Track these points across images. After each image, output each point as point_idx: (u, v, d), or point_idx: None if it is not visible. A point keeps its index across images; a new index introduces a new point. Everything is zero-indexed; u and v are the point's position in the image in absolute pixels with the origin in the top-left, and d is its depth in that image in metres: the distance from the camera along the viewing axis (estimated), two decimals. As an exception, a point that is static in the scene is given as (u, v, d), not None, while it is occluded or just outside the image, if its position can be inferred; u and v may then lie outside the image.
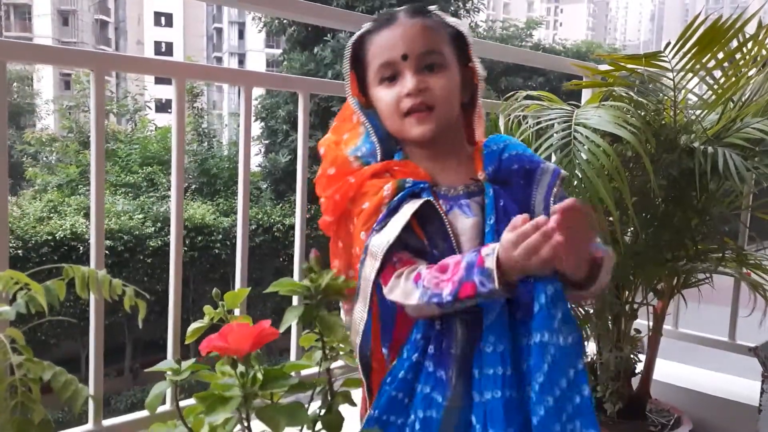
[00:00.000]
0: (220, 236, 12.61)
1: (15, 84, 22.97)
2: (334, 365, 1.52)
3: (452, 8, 14.41)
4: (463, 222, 1.07)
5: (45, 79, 27.63)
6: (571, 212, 0.89)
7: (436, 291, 0.97)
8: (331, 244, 1.20)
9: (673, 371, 2.46)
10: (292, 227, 13.04)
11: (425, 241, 1.06)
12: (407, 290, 1.02)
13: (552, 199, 1.08)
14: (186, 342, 1.47)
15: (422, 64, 1.08)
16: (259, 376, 1.33)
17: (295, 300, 1.74)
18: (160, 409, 1.53)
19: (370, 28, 1.14)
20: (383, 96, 1.11)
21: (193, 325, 1.46)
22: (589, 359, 2.06)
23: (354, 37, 1.15)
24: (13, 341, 0.78)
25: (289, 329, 1.82)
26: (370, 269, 1.05)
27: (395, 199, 1.06)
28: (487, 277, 0.93)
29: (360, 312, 1.08)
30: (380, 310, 1.09)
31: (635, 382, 2.09)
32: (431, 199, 1.06)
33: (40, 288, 0.81)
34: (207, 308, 1.48)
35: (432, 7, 1.13)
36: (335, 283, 1.55)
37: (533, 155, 1.14)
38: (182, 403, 1.50)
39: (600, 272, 0.98)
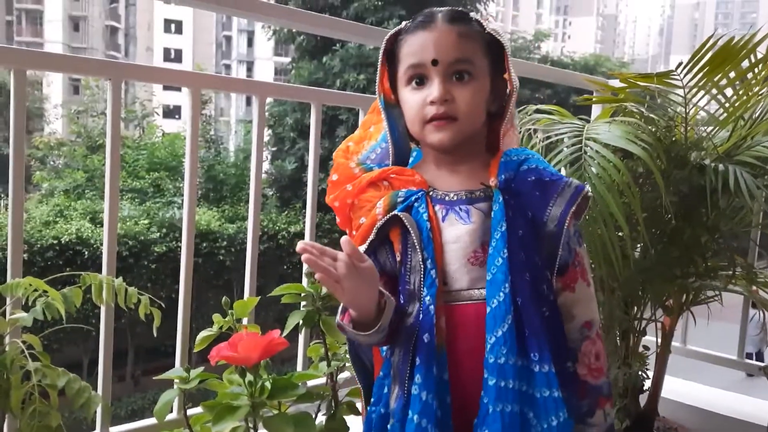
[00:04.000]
0: (225, 242, 12.61)
1: (24, 88, 23.01)
2: (340, 377, 1.53)
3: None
4: (458, 228, 1.07)
5: (54, 83, 27.76)
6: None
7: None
8: None
9: (681, 389, 2.44)
10: (296, 235, 13.04)
11: (398, 255, 1.08)
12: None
13: (568, 217, 1.06)
14: (195, 350, 1.48)
15: (451, 71, 1.07)
16: (268, 385, 1.34)
17: (301, 306, 1.75)
18: (168, 417, 1.53)
19: (406, 26, 1.12)
20: (409, 99, 1.10)
21: (203, 334, 1.46)
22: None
23: (391, 32, 1.14)
24: (29, 347, 0.78)
25: (296, 339, 1.82)
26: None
27: (385, 218, 1.08)
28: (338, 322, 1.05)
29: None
30: None
31: (643, 399, 2.08)
32: (399, 214, 1.06)
33: (59, 295, 0.81)
34: (216, 317, 1.48)
35: (472, 14, 1.12)
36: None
37: (555, 171, 1.13)
38: (189, 412, 1.51)
39: None
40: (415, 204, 1.08)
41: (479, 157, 1.14)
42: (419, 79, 1.09)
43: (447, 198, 1.09)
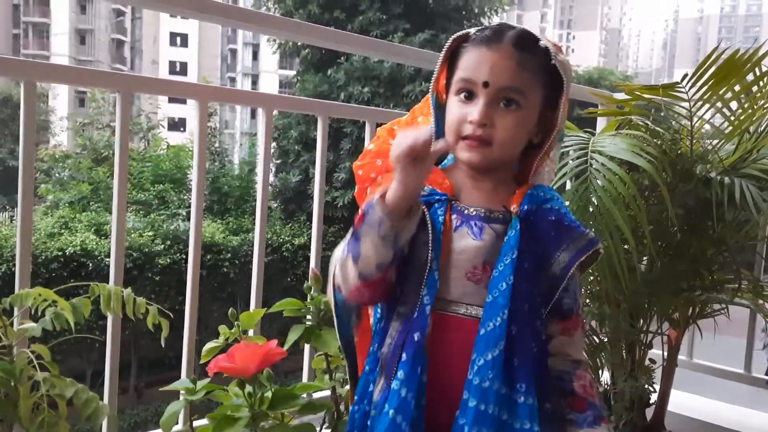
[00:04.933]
0: (229, 255, 12.60)
1: (30, 100, 23.14)
2: (343, 390, 1.53)
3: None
4: (467, 242, 1.07)
5: (60, 96, 27.94)
6: None
7: (347, 241, 1.05)
8: None
9: (687, 402, 2.43)
10: (301, 247, 13.03)
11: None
12: (337, 259, 1.08)
13: (575, 265, 1.07)
14: (201, 362, 1.48)
15: (500, 96, 1.05)
16: (268, 395, 1.34)
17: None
18: (174, 428, 1.52)
19: (475, 36, 1.10)
20: (453, 109, 1.10)
21: (209, 345, 1.47)
22: (603, 389, 2.05)
23: (460, 33, 1.12)
24: (38, 357, 0.78)
25: (298, 350, 1.82)
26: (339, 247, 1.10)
27: None
28: (370, 202, 1.01)
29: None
30: None
31: (649, 412, 2.07)
32: (424, 208, 1.06)
33: (68, 305, 0.81)
34: (222, 328, 1.49)
35: (543, 42, 1.08)
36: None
37: (575, 220, 1.12)
38: (195, 423, 1.51)
39: None
40: (436, 204, 1.08)
41: (506, 181, 1.14)
42: (468, 94, 1.08)
43: (466, 211, 1.09)
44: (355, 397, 1.11)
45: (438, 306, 1.05)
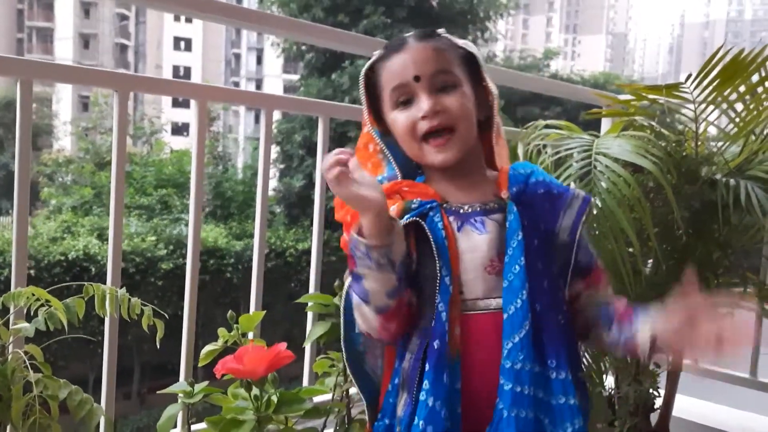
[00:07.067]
0: (233, 260, 12.59)
1: (34, 105, 23.25)
2: (352, 390, 1.51)
3: (470, 37, 14.51)
4: (475, 239, 1.07)
5: (64, 100, 28.01)
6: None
7: (351, 287, 1.04)
8: None
9: (692, 407, 2.41)
10: (304, 252, 13.00)
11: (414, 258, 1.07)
12: (354, 307, 1.07)
13: (580, 226, 1.09)
14: (200, 364, 1.46)
15: (436, 85, 1.08)
16: (274, 399, 1.32)
17: (308, 323, 1.73)
18: (172, 432, 1.51)
19: (380, 55, 1.13)
20: (398, 119, 1.10)
21: (207, 348, 1.45)
22: (607, 393, 2.02)
23: (366, 66, 1.15)
24: (31, 358, 0.77)
25: (301, 355, 1.81)
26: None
27: (405, 220, 1.05)
28: (351, 240, 1.00)
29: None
30: None
31: (654, 417, 2.05)
32: (419, 219, 1.05)
33: (61, 305, 0.80)
34: (222, 331, 1.47)
35: (440, 30, 1.13)
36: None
37: (560, 183, 1.15)
38: (194, 427, 1.49)
39: None
40: (430, 213, 1.07)
41: (481, 170, 1.16)
42: (405, 100, 1.09)
43: (461, 211, 1.09)
44: (379, 414, 1.10)
45: (465, 308, 1.05)
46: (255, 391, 1.28)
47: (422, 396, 1.00)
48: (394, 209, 1.07)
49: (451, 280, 1.03)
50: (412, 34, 1.12)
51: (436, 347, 1.01)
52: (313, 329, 1.49)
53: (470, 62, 1.12)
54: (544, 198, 1.10)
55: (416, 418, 1.00)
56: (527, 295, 1.01)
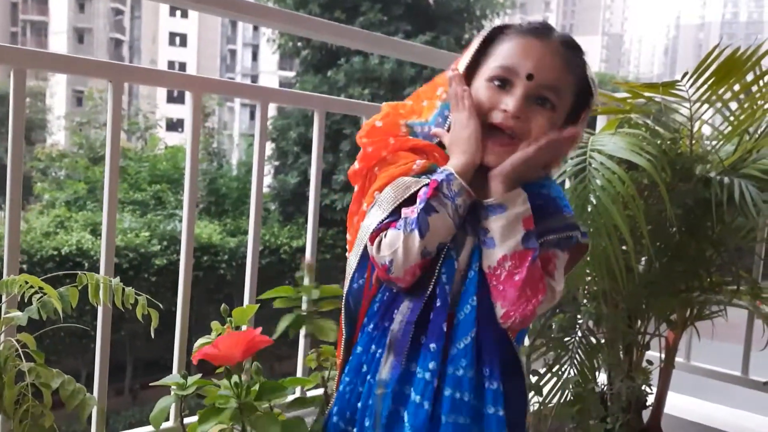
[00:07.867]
0: (226, 256, 12.56)
1: (28, 99, 23.09)
2: (331, 384, 1.51)
3: (466, 35, 14.50)
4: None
5: (58, 95, 27.89)
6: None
7: (411, 217, 1.00)
8: (354, 195, 1.18)
9: (684, 405, 2.42)
10: (299, 250, 12.98)
11: None
12: (391, 238, 1.02)
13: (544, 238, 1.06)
14: (192, 357, 1.46)
15: (538, 93, 1.02)
16: (255, 388, 1.32)
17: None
18: (165, 425, 1.50)
19: (521, 26, 1.07)
20: (482, 92, 1.05)
21: (201, 341, 1.44)
22: (600, 389, 2.03)
23: (500, 23, 1.09)
24: (24, 346, 0.77)
25: (296, 348, 1.80)
26: (373, 219, 1.05)
27: (426, 181, 1.04)
28: (443, 171, 1.01)
29: (352, 260, 1.10)
30: None
31: (646, 414, 2.06)
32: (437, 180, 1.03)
33: (55, 293, 0.80)
34: (215, 324, 1.46)
35: (584, 50, 1.08)
36: (329, 287, 1.58)
37: (566, 206, 1.10)
38: (186, 420, 1.49)
39: None
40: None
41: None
42: (502, 82, 1.04)
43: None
44: (345, 377, 1.10)
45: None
46: (235, 378, 1.27)
47: (419, 373, 1.00)
48: (420, 163, 1.07)
49: (456, 254, 1.03)
50: (560, 34, 1.06)
51: (435, 316, 1.01)
52: (280, 322, 1.51)
53: (582, 96, 1.07)
54: (535, 209, 1.04)
55: (412, 392, 1.00)
56: (477, 301, 1.01)
